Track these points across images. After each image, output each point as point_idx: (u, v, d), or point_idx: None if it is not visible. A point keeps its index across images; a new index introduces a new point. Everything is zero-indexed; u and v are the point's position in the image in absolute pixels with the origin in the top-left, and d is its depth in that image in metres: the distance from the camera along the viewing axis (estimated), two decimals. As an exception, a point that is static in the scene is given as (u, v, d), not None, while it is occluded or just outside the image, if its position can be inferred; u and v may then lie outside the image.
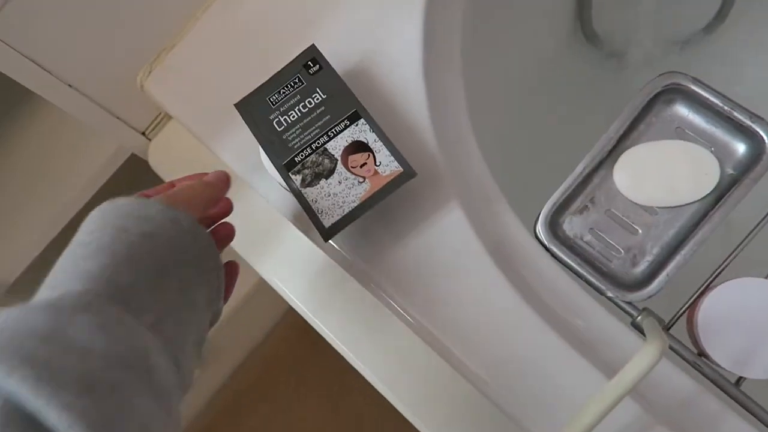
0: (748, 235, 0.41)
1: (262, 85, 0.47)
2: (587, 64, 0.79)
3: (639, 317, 0.41)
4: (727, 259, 0.41)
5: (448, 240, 0.45)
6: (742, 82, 0.77)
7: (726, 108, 0.42)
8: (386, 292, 0.44)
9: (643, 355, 0.34)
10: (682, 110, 0.44)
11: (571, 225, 0.45)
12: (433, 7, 0.51)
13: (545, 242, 0.44)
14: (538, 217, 0.44)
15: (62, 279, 0.26)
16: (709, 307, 0.39)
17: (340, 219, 0.43)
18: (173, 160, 0.61)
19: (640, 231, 0.44)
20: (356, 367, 0.49)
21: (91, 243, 0.27)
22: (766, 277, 0.40)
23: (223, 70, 0.54)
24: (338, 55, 0.48)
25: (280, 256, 0.53)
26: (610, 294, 0.42)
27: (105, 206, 0.30)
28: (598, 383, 0.39)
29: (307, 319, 0.51)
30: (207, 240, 0.32)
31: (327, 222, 0.43)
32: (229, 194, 0.41)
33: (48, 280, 0.27)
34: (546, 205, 0.45)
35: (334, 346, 0.50)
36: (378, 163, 0.43)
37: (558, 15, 0.75)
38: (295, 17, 0.53)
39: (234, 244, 0.42)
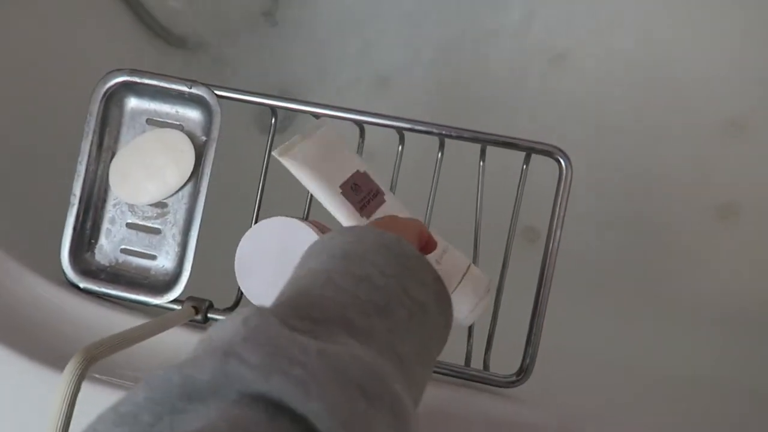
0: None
1: None
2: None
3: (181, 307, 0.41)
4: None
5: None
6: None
7: (167, 86, 0.42)
8: None
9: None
10: (141, 102, 0.44)
11: (101, 253, 0.44)
12: None
13: (77, 284, 0.42)
14: (61, 263, 0.43)
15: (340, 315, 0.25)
16: (242, 250, 0.39)
17: None
18: None
19: (161, 228, 0.44)
20: None
21: (379, 288, 0.27)
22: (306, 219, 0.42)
23: None
24: None
25: None
26: (154, 302, 0.42)
27: (392, 242, 0.29)
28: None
29: None
30: (450, 320, 0.31)
31: None
32: None
33: (323, 297, 0.26)
34: (62, 249, 0.43)
35: None
36: None
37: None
38: None
39: None
